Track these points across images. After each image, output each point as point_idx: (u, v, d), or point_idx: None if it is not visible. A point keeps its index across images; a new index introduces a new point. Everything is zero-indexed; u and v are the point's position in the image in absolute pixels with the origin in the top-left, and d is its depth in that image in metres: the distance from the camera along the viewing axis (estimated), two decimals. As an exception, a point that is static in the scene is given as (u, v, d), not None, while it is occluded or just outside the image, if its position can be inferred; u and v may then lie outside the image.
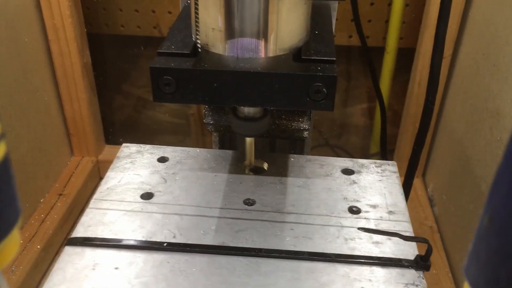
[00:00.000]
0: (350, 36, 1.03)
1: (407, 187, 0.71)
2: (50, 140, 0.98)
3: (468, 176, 0.81)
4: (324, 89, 0.41)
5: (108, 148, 1.12)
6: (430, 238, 0.92)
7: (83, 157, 1.08)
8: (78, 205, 1.01)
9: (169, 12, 1.03)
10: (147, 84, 1.17)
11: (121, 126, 1.19)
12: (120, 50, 1.13)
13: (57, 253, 0.93)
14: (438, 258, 0.86)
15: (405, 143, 1.01)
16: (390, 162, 0.61)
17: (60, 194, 0.98)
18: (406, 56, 1.02)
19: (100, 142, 1.10)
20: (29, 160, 0.90)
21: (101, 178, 1.11)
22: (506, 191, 0.17)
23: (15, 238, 0.22)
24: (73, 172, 1.04)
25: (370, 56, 0.83)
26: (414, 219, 0.95)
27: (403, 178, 0.80)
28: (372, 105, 1.14)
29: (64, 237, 0.96)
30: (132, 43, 1.11)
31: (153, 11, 1.03)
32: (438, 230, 0.93)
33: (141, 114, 1.19)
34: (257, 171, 0.59)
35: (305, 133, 0.62)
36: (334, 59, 0.42)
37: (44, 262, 0.89)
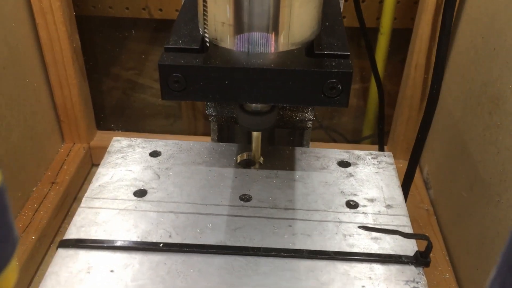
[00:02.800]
0: (344, 17, 1.02)
1: (409, 175, 0.71)
2: (41, 128, 0.96)
3: (465, 160, 0.81)
4: (339, 86, 0.40)
5: (99, 134, 1.10)
6: (426, 221, 0.92)
7: (74, 143, 1.06)
8: (71, 193, 0.99)
9: (159, -7, 1.01)
10: (136, 67, 1.15)
11: (111, 111, 1.17)
12: (108, 32, 1.10)
13: (52, 242, 0.91)
14: (435, 242, 0.87)
15: (400, 125, 1.01)
16: (386, 153, 0.60)
17: (53, 183, 0.96)
18: (399, 37, 1.01)
19: (91, 128, 1.08)
20: (20, 148, 0.88)
21: (93, 165, 1.09)
22: None
23: (12, 268, 0.22)
24: (65, 160, 1.02)
25: (368, 38, 0.82)
26: (410, 202, 0.95)
27: (401, 162, 0.81)
28: (365, 86, 1.13)
29: (59, 226, 0.94)
30: (121, 25, 1.08)
31: (143, -8, 1.00)
32: (434, 213, 0.93)
33: (131, 97, 1.17)
34: (252, 164, 0.58)
35: (309, 123, 0.62)
36: (348, 53, 0.41)
37: (40, 252, 0.87)
